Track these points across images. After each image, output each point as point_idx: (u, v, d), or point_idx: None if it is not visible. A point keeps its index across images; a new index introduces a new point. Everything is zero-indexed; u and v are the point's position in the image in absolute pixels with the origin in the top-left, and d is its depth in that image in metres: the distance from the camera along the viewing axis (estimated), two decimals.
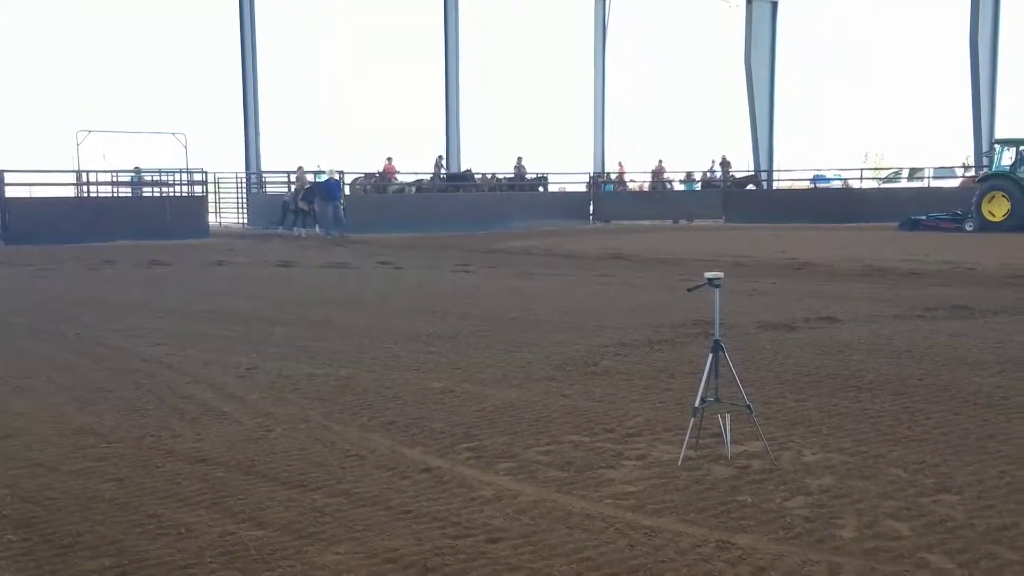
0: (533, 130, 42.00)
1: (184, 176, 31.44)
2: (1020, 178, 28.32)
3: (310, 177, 30.16)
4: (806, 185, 39.83)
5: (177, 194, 31.26)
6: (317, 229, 29.17)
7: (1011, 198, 28.14)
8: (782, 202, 37.43)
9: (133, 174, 33.21)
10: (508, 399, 7.43)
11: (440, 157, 37.97)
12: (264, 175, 37.63)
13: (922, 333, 10.20)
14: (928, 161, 38.30)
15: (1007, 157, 29.31)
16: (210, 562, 4.32)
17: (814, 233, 28.81)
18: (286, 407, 7.27)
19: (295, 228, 29.28)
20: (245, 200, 35.97)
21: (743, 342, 9.66)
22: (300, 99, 39.90)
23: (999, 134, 34.48)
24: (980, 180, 30.38)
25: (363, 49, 40.88)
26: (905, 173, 40.13)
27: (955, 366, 8.42)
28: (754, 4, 41.82)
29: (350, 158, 36.02)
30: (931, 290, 14.14)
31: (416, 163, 37.40)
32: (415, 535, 4.62)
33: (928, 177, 37.66)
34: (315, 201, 29.04)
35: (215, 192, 35.31)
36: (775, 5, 42.30)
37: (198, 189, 31.60)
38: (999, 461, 5.64)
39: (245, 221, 35.11)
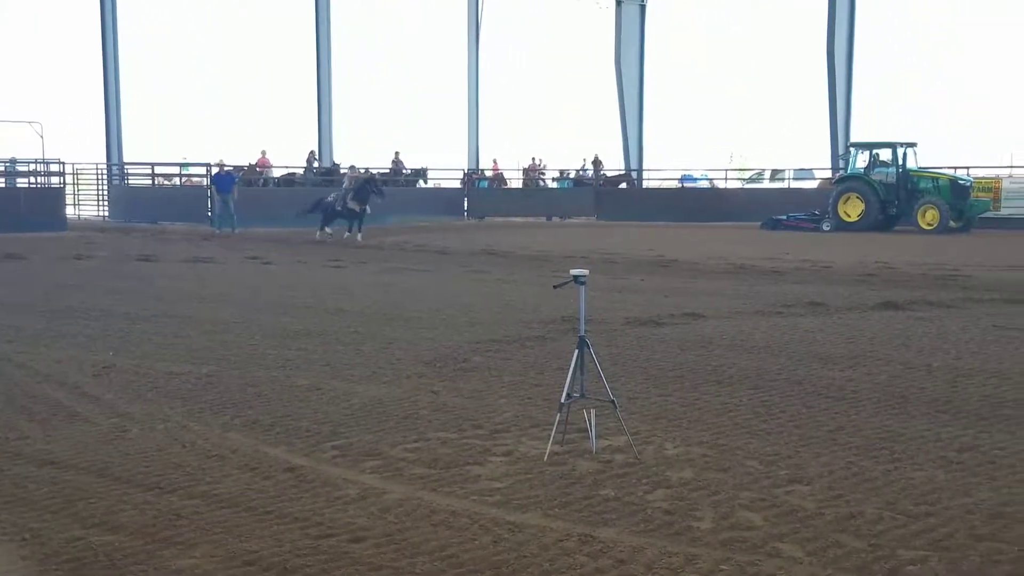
0: (409, 126, 41.80)
1: (40, 167, 30.10)
2: (873, 180, 29.64)
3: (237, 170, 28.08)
4: (675, 184, 40.81)
5: (33, 185, 29.91)
6: (359, 235, 25.25)
7: (865, 199, 29.40)
8: (652, 200, 38.25)
9: (8, 163, 31.64)
10: (376, 396, 7.36)
11: (312, 152, 37.41)
12: (126, 166, 36.39)
13: (780, 329, 10.56)
14: (789, 163, 39.77)
15: (861, 160, 30.62)
16: (55, 569, 4.14)
17: (682, 231, 29.52)
18: (144, 406, 7.03)
19: (350, 230, 25.57)
20: (106, 192, 34.71)
21: (611, 338, 9.82)
22: (166, 89, 38.71)
23: (854, 138, 35.98)
24: (836, 182, 31.65)
25: (233, 39, 39.95)
26: (767, 174, 41.51)
27: (810, 361, 8.74)
28: (623, 6, 42.53)
29: (221, 151, 35.14)
30: (790, 287, 14.65)
31: (289, 157, 36.79)
32: (276, 536, 4.52)
33: (789, 178, 39.07)
34: (368, 200, 25.75)
35: (74, 183, 33.97)
36: (643, 7, 43.11)
37: (55, 180, 30.31)
38: (848, 452, 5.88)
39: (106, 214, 33.88)
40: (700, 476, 5.44)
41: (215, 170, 29.15)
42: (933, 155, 31.44)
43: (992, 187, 30.77)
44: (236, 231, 27.09)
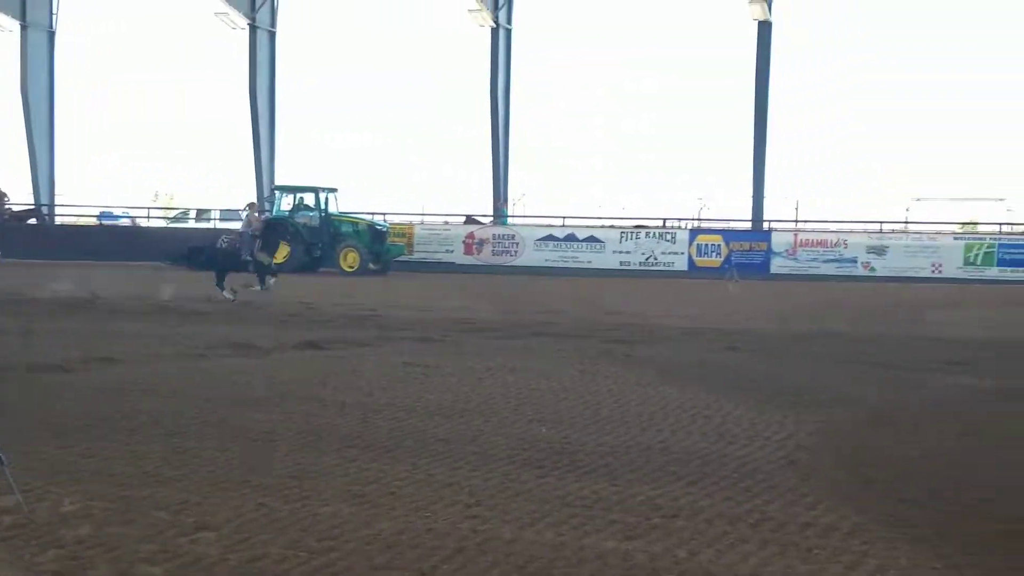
0: None
1: None
2: (298, 223, 30.64)
3: None
4: (93, 221, 38.96)
5: None
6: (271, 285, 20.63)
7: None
8: (67, 237, 36.17)
9: None
10: None
11: None
12: None
13: (202, 372, 10.34)
14: (216, 203, 39.92)
15: (286, 203, 31.60)
16: None
17: (101, 270, 27.85)
18: None
19: (263, 285, 20.65)
20: None
21: (11, 387, 8.90)
22: None
23: (279, 181, 36.99)
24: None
25: None
26: (193, 213, 41.36)
27: (230, 403, 8.60)
28: (28, 31, 39.41)
29: None
30: (215, 328, 14.41)
31: None
32: None
33: (215, 218, 39.09)
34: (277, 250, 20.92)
35: None
36: (52, 34, 40.34)
37: None
38: (258, 493, 5.83)
39: None
40: (99, 532, 5.03)
41: None
42: (353, 201, 33.60)
43: (406, 233, 33.72)
44: None
